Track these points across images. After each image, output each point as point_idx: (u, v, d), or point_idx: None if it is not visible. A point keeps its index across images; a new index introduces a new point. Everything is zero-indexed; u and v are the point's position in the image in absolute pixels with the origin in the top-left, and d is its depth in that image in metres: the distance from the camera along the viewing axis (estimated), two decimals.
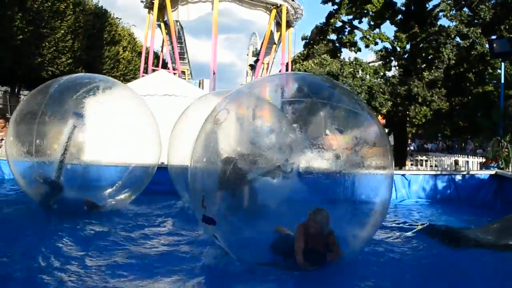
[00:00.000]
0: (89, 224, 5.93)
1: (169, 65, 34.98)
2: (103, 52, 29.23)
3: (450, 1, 15.76)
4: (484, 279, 4.54)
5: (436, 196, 9.87)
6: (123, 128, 6.81)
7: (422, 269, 4.68)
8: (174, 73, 26.78)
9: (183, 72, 38.70)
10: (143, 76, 26.42)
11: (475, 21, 15.20)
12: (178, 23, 34.55)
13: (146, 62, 30.48)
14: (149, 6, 30.46)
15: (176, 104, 12.72)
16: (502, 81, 13.27)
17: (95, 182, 7.03)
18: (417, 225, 6.63)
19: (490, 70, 17.31)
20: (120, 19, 32.83)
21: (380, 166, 4.26)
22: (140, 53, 32.41)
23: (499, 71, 15.90)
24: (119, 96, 7.22)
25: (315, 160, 4.14)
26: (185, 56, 41.33)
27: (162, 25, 31.66)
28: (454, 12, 15.63)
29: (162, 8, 29.62)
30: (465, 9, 15.82)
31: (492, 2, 15.17)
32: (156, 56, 35.99)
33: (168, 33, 31.92)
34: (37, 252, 4.48)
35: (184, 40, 40.44)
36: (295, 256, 3.99)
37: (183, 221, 6.48)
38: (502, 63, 13.37)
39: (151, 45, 31.10)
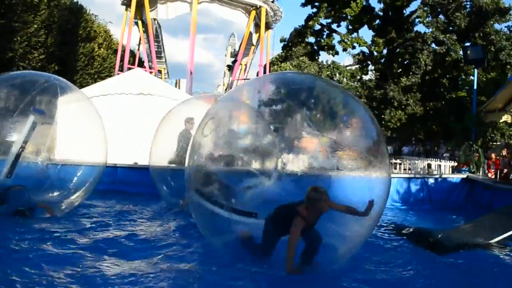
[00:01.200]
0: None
1: (146, 63, 34.50)
2: (78, 49, 28.53)
3: (426, 8, 16.04)
4: (453, 278, 4.59)
5: (410, 199, 9.98)
6: (66, 127, 6.59)
7: (399, 273, 4.67)
8: (151, 72, 26.42)
9: (160, 71, 38.29)
10: (118, 74, 25.95)
11: (450, 28, 15.51)
12: (156, 21, 34.16)
13: (122, 60, 29.97)
14: (127, 4, 30.00)
15: (151, 103, 12.51)
16: (475, 87, 13.53)
17: (45, 182, 6.72)
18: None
19: (464, 76, 17.69)
20: (96, 15, 32.19)
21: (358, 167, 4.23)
22: (116, 51, 31.81)
23: (472, 77, 16.28)
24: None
25: (296, 163, 4.09)
26: (162, 55, 40.92)
27: (140, 22, 31.24)
28: (430, 19, 15.91)
29: (139, 6, 29.22)
30: (441, 16, 16.11)
31: (467, 10, 15.51)
32: (132, 54, 35.40)
33: (145, 31, 31.52)
34: None
35: (162, 39, 40.05)
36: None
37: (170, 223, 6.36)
38: (475, 70, 13.63)
39: (127, 43, 30.60)
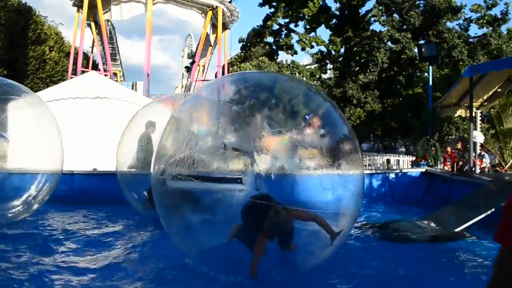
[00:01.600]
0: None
1: (100, 66, 33.52)
2: (28, 52, 27.24)
3: (381, 7, 16.41)
4: (408, 268, 4.70)
5: (372, 194, 10.15)
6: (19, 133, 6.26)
7: (365, 266, 4.72)
8: (106, 75, 25.74)
9: (115, 74, 37.37)
10: (71, 77, 25.08)
11: (405, 26, 15.93)
12: (109, 23, 33.28)
13: (75, 63, 29.03)
14: (78, 5, 29.05)
15: (108, 107, 12.11)
16: (430, 83, 13.93)
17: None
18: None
19: (419, 73, 18.24)
20: (46, 17, 30.88)
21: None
22: (68, 54, 30.68)
23: (426, 74, 16.81)
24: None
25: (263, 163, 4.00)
26: (117, 57, 39.95)
27: (92, 24, 30.33)
28: (385, 17, 16.30)
29: (92, 7, 28.33)
30: (396, 15, 16.53)
31: (421, 9, 15.98)
32: (86, 57, 34.32)
33: (99, 33, 30.64)
34: None
35: (116, 41, 39.08)
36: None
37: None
38: (430, 67, 14.03)
39: (80, 45, 29.65)
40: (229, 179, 4.19)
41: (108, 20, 30.93)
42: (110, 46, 33.77)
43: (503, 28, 15.93)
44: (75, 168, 9.73)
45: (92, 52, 34.69)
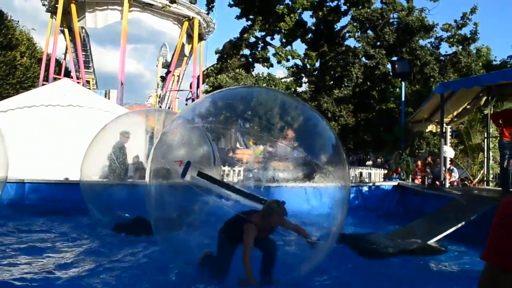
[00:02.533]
0: None
1: (73, 73, 32.96)
2: None
3: (356, 24, 16.77)
4: (380, 281, 4.75)
5: None
6: None
7: (335, 278, 4.72)
8: (78, 82, 25.28)
9: (88, 82, 36.76)
10: (43, 84, 24.55)
11: (379, 43, 16.31)
12: (83, 30, 32.81)
13: (47, 70, 28.42)
14: (52, 11, 28.53)
15: (81, 115, 11.90)
16: (403, 99, 14.27)
17: None
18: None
19: (391, 89, 18.66)
20: (18, 21, 30.18)
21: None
22: (40, 60, 30.05)
23: (399, 89, 17.21)
24: None
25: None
26: (90, 65, 39.33)
27: (66, 31, 29.83)
28: (359, 34, 16.66)
29: (66, 14, 27.90)
30: (370, 31, 16.92)
31: (395, 26, 16.42)
32: (58, 63, 33.66)
33: (73, 40, 30.17)
34: None
35: (90, 48, 38.51)
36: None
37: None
38: (402, 83, 14.39)
39: (53, 52, 29.10)
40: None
41: (82, 27, 30.50)
42: (84, 53, 33.25)
43: (472, 47, 16.52)
44: (46, 177, 9.49)
45: (64, 59, 34.10)
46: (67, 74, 31.91)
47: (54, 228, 6.99)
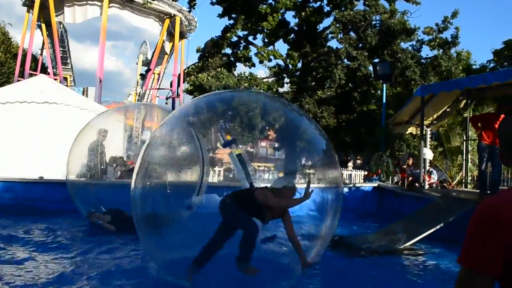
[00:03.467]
0: None
1: (50, 70, 32.28)
2: None
3: (339, 25, 16.79)
4: (360, 282, 4.79)
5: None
6: None
7: (316, 278, 4.72)
8: (55, 79, 24.77)
9: (65, 78, 36.04)
10: (18, 80, 23.95)
11: (361, 45, 16.38)
12: (61, 25, 32.14)
13: (22, 65, 27.77)
14: (29, 5, 27.83)
15: (57, 113, 11.61)
16: (384, 101, 14.39)
17: None
18: None
19: (373, 91, 18.79)
20: None
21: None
22: (16, 55, 29.32)
23: (380, 92, 17.35)
24: None
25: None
26: (68, 61, 38.55)
27: (43, 26, 29.16)
28: (342, 35, 16.70)
29: (43, 8, 27.26)
30: (352, 33, 16.98)
31: (377, 29, 16.51)
32: (35, 59, 32.92)
33: (50, 35, 29.53)
34: None
35: (68, 44, 37.73)
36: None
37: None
38: (384, 85, 14.51)
39: (29, 47, 28.44)
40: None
41: (60, 22, 29.90)
42: (61, 49, 32.60)
43: (453, 51, 16.74)
44: (20, 175, 9.25)
45: (41, 54, 33.37)
46: (44, 70, 31.19)
47: (29, 228, 6.80)
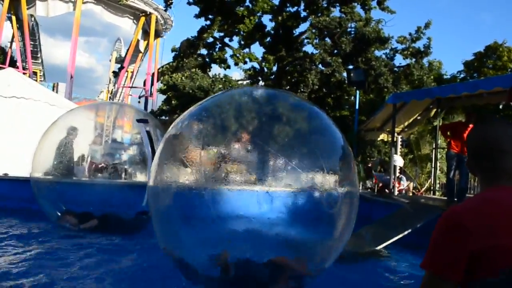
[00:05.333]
0: None
1: (19, 63, 31.41)
2: None
3: (315, 30, 16.95)
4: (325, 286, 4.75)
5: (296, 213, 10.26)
6: None
7: None
8: (24, 73, 24.08)
9: (35, 73, 35.11)
10: None
11: (336, 51, 16.59)
12: (33, 18, 31.31)
13: None
14: None
15: (25, 108, 11.27)
16: (357, 107, 14.55)
17: None
18: None
19: (346, 97, 19.03)
20: None
21: None
22: None
23: (353, 98, 17.58)
24: None
25: None
26: (39, 56, 37.54)
27: (14, 18, 28.32)
28: (318, 41, 16.87)
29: (14, 0, 26.48)
30: (328, 39, 17.18)
31: (352, 36, 16.76)
32: (3, 52, 31.97)
33: (20, 28, 28.72)
34: None
35: (39, 38, 36.75)
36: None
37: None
38: (357, 91, 14.70)
39: None
40: None
41: (31, 15, 29.12)
42: (32, 43, 31.75)
43: (425, 61, 17.16)
44: None
45: (10, 47, 32.43)
46: (13, 63, 30.28)
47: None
